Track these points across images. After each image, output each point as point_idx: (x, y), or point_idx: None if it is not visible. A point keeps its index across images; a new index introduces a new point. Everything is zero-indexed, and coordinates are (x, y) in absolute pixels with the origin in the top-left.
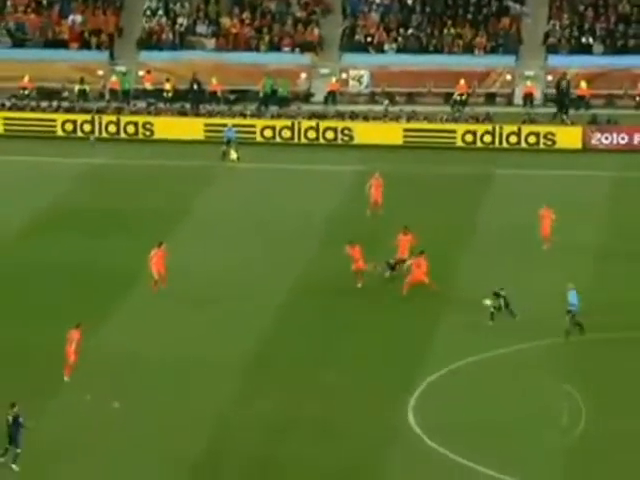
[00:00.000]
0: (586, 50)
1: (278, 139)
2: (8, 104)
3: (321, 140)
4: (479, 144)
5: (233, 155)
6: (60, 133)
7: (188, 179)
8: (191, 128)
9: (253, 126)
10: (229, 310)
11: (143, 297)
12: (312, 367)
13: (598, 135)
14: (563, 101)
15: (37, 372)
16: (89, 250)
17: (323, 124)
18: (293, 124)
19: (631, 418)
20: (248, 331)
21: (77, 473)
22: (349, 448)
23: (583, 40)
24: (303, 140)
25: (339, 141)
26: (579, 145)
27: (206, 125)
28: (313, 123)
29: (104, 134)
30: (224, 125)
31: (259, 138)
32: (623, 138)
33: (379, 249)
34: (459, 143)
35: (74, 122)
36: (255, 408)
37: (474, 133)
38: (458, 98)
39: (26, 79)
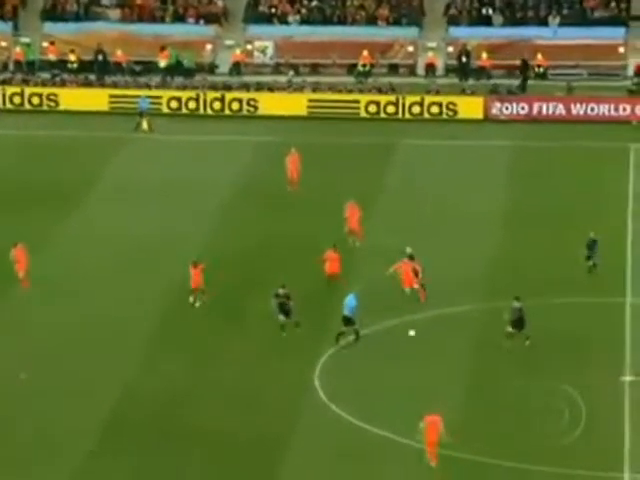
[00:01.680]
0: (486, 22)
1: (184, 110)
2: None
3: (226, 111)
4: (383, 115)
5: (145, 126)
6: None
7: (94, 150)
8: (96, 99)
9: (159, 97)
10: (138, 275)
11: (56, 263)
12: (219, 333)
13: (499, 105)
14: (464, 71)
15: None
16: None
17: (228, 95)
18: (198, 95)
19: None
20: (156, 295)
21: None
22: (257, 413)
23: (483, 12)
24: (209, 111)
25: (244, 112)
26: (480, 115)
27: (111, 96)
28: (218, 94)
29: (8, 105)
30: (129, 96)
31: (165, 109)
32: (523, 108)
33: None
34: (363, 114)
35: None
36: (161, 372)
37: (378, 104)
38: (361, 69)
39: None
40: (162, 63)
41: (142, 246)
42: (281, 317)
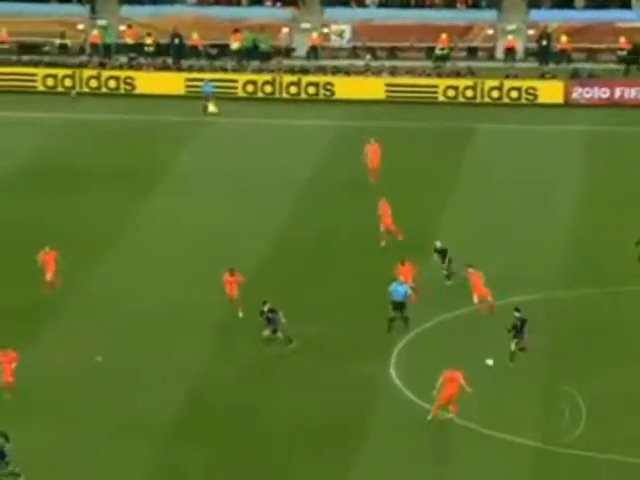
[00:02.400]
0: (567, 4)
1: (260, 94)
2: None
3: (303, 95)
4: (461, 99)
5: (212, 108)
6: (41, 88)
7: (170, 134)
8: (172, 83)
9: (235, 81)
10: (211, 264)
11: (125, 252)
12: (293, 318)
13: (579, 89)
14: (544, 55)
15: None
16: (67, 205)
17: (305, 79)
18: (274, 79)
19: None
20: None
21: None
22: (331, 399)
23: None
24: (285, 95)
25: (321, 96)
26: (561, 100)
27: (187, 80)
28: (295, 78)
29: (85, 89)
30: (200, 81)
31: (241, 93)
32: (605, 92)
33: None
34: (441, 98)
35: (55, 77)
36: (235, 360)
37: (456, 88)
38: (440, 53)
39: (4, 33)
40: (234, 45)
41: (215, 231)
42: (266, 332)
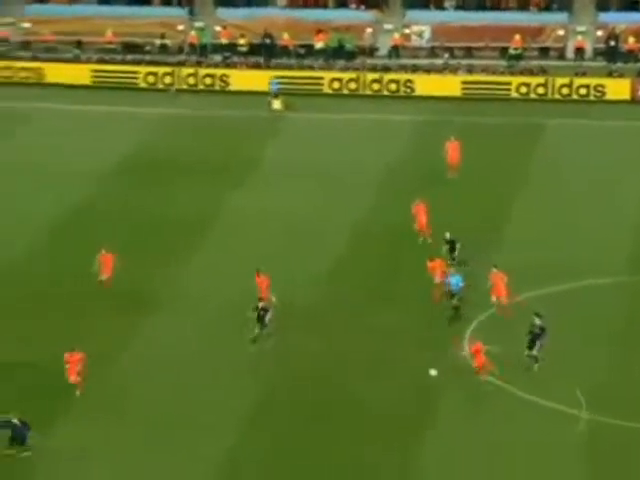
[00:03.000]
0: (635, 7)
1: (344, 91)
2: (95, 57)
3: (384, 92)
4: (533, 95)
5: (276, 105)
6: (142, 85)
7: (260, 128)
8: (263, 80)
9: (321, 78)
10: (293, 255)
11: (217, 241)
12: (370, 307)
13: None
14: (612, 54)
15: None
16: (165, 195)
17: (387, 77)
18: (358, 77)
19: None
20: (309, 274)
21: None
22: (404, 386)
23: None
24: (367, 92)
25: (401, 93)
26: (628, 96)
27: (276, 78)
28: (377, 76)
29: (183, 85)
30: (294, 77)
31: (327, 90)
32: None
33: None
34: (514, 94)
35: (155, 74)
36: (312, 346)
37: (528, 85)
38: (513, 52)
39: (110, 34)
40: (318, 45)
41: (299, 224)
42: (256, 329)
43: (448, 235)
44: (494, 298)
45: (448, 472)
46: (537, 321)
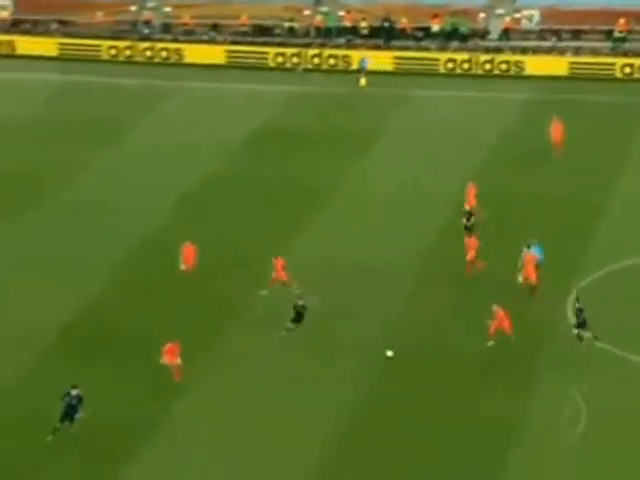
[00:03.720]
0: None
1: (458, 70)
2: (229, 39)
3: (495, 71)
4: (636, 75)
5: (363, 82)
6: (272, 64)
7: (379, 104)
8: (383, 60)
9: (437, 59)
10: (401, 223)
11: (339, 209)
12: (467, 282)
13: None
14: None
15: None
16: (291, 166)
17: (498, 58)
18: (471, 58)
19: None
20: (415, 241)
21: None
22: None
23: None
24: (480, 72)
25: (511, 72)
26: None
27: (395, 58)
28: (489, 57)
29: (309, 65)
30: (412, 58)
31: (442, 70)
32: None
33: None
34: (618, 75)
35: (284, 55)
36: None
37: (632, 66)
38: (618, 35)
39: (244, 17)
40: (434, 28)
41: (410, 195)
42: (290, 325)
43: (467, 207)
44: (520, 277)
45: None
46: (577, 304)
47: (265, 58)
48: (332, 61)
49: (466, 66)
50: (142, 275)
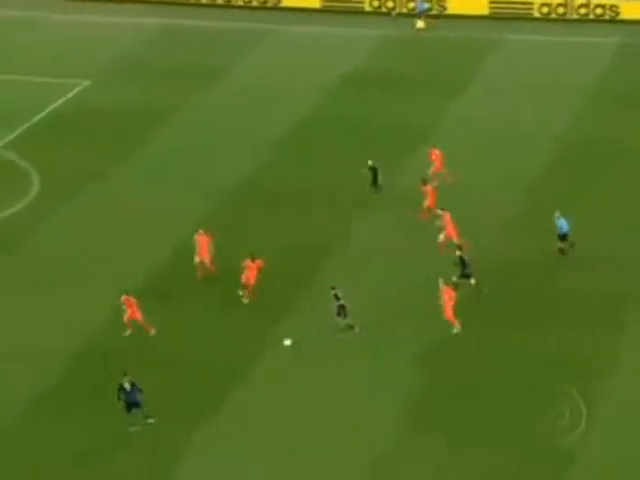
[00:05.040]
0: None
1: (553, 15)
2: None
3: (591, 16)
4: None
5: (420, 24)
6: (368, 9)
7: (476, 49)
8: (477, 5)
9: (531, 3)
10: (497, 160)
11: (439, 145)
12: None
13: None
14: None
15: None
16: (388, 106)
17: (594, 1)
18: (567, 2)
19: None
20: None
21: None
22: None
23: None
24: (575, 16)
25: (606, 17)
26: None
27: (490, 2)
28: (584, 0)
29: (404, 10)
30: (507, 2)
31: (536, 14)
32: None
33: None
34: None
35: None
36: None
37: None
38: None
39: None
40: None
41: (509, 131)
42: (338, 319)
43: (370, 162)
44: (442, 237)
45: None
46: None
47: (361, 2)
48: (426, 6)
49: (561, 10)
50: (237, 214)
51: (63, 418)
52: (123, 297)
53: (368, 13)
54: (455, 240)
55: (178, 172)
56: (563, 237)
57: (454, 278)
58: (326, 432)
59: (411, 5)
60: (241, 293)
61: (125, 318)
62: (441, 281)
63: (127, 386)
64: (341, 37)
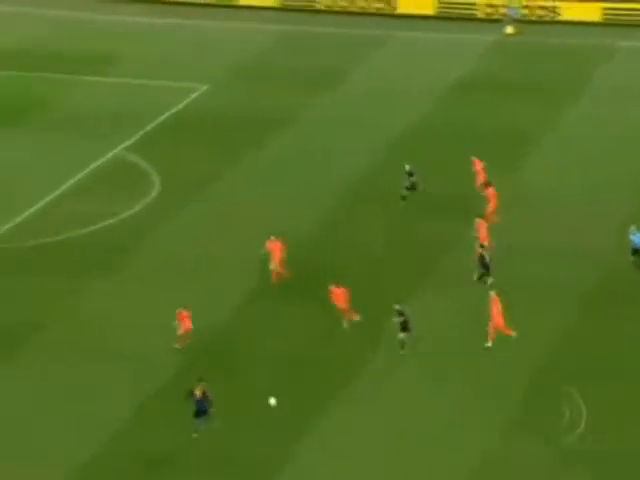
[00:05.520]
0: None
1: None
2: None
3: None
4: None
5: (509, 30)
6: (480, 15)
7: (588, 56)
8: (591, 12)
9: None
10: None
11: (549, 152)
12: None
13: None
14: None
15: None
16: (499, 111)
17: None
18: None
19: None
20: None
21: None
22: None
23: None
24: None
25: None
26: None
27: (604, 9)
28: None
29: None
30: (622, 9)
31: None
32: None
33: None
34: None
35: (494, 6)
36: None
37: None
38: None
39: None
40: None
41: (621, 135)
42: (400, 335)
43: (407, 167)
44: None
45: None
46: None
47: (474, 9)
48: (540, 12)
49: None
50: (365, 209)
51: (166, 417)
52: (178, 311)
53: (482, 20)
54: (484, 242)
55: (294, 173)
56: (635, 252)
57: (475, 277)
58: (430, 436)
59: (524, 12)
60: (345, 324)
61: (179, 332)
62: (493, 293)
63: (197, 393)
64: (455, 43)
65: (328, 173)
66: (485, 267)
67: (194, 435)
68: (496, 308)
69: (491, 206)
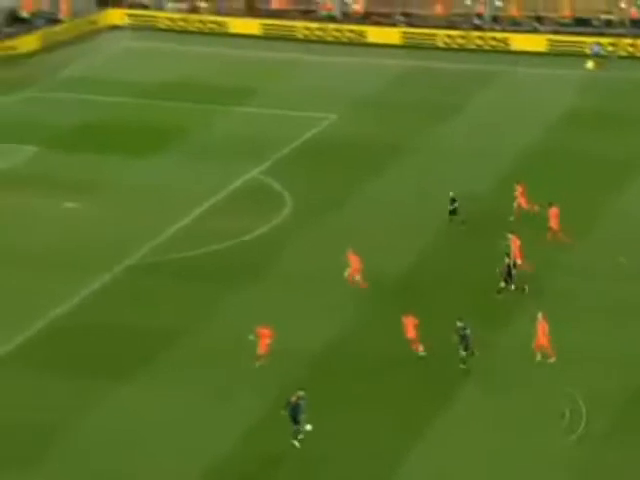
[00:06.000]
0: None
1: None
2: (550, 29)
3: None
4: None
5: (589, 65)
6: (587, 51)
7: None
8: None
9: None
10: None
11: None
12: None
13: None
14: None
15: None
16: (602, 141)
17: None
18: None
19: None
20: None
21: None
22: None
23: None
24: None
25: None
26: None
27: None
28: None
29: (623, 53)
30: None
31: None
32: None
33: None
34: None
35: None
36: None
37: None
38: None
39: (566, 10)
40: None
41: None
42: (461, 352)
43: (451, 194)
44: (519, 261)
45: None
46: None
47: (582, 47)
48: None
49: None
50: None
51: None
52: (257, 329)
53: (588, 56)
54: (517, 258)
55: (411, 200)
56: None
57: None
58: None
59: (630, 49)
60: (420, 353)
61: (259, 350)
62: (540, 314)
63: (292, 400)
64: (564, 78)
65: (442, 201)
66: (509, 276)
67: (293, 442)
68: (542, 328)
69: (553, 225)
